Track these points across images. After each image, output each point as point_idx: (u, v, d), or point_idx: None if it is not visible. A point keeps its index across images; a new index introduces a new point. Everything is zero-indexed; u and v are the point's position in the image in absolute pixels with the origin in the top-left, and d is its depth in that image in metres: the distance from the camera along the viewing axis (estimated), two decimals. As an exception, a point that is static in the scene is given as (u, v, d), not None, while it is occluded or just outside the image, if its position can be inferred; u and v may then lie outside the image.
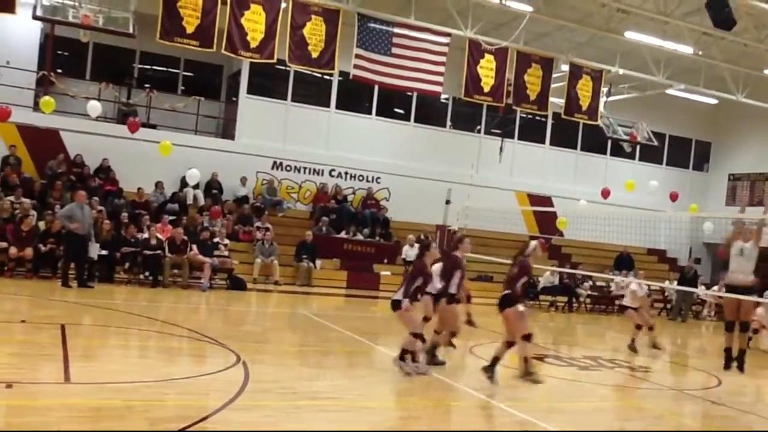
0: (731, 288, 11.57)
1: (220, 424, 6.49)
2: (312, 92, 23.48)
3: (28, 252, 15.53)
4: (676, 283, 21.11)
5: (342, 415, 7.29)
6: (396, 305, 9.17)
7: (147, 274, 16.79)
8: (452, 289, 9.78)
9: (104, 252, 15.90)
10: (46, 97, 17.66)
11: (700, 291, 20.89)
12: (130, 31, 16.88)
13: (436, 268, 10.03)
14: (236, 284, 17.58)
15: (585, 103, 20.72)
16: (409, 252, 19.42)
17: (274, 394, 7.87)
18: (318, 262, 20.05)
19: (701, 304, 22.24)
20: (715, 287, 22.76)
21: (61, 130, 19.90)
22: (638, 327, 13.33)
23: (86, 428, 5.98)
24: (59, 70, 20.96)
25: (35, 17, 16.90)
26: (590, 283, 21.97)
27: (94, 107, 18.05)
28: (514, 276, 9.16)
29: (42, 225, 16.34)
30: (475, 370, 10.47)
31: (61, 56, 21.81)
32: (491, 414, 8.08)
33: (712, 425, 8.59)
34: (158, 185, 20.30)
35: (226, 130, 23.17)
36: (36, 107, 19.19)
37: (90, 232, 15.27)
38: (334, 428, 6.75)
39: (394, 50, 18.27)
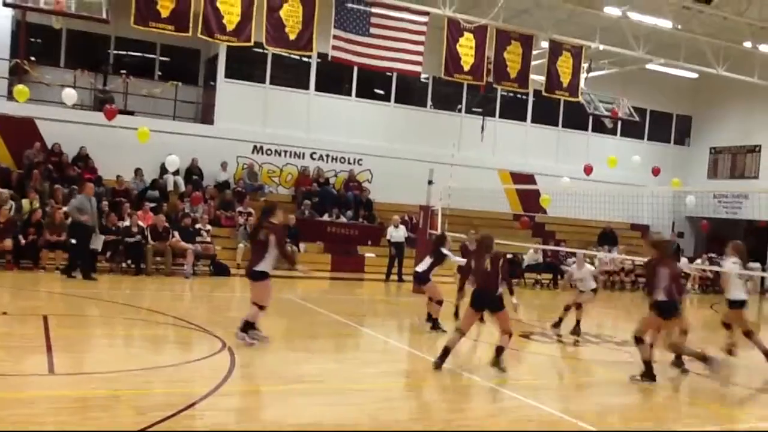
0: None
1: (208, 411, 6.45)
2: (291, 75, 23.26)
3: (8, 243, 15.33)
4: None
5: (329, 398, 7.27)
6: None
7: (129, 262, 16.65)
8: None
9: (73, 241, 15.65)
10: (20, 86, 17.33)
11: (684, 265, 21.03)
12: (104, 16, 16.56)
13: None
14: (219, 270, 17.48)
15: (565, 79, 20.67)
16: (394, 233, 19.38)
17: (261, 379, 7.84)
18: (302, 246, 19.96)
19: (685, 278, 22.41)
20: (698, 260, 23.00)
21: (36, 119, 19.59)
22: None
23: (73, 419, 5.92)
24: (33, 58, 20.58)
25: (6, 4, 16.53)
26: (574, 259, 22.04)
27: (70, 95, 17.76)
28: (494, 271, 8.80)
29: (26, 205, 16.15)
30: (461, 350, 10.50)
31: (34, 43, 21.43)
32: (478, 393, 8.09)
33: (697, 397, 8.66)
34: (138, 172, 20.08)
35: (205, 115, 22.94)
36: (10, 96, 18.86)
37: (95, 224, 15.37)
38: (323, 412, 6.72)
39: (373, 30, 18.10)
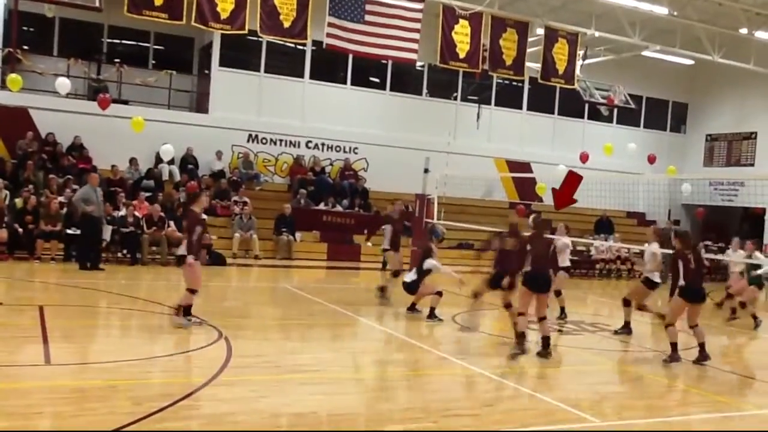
0: None
1: (205, 401, 6.45)
2: (285, 63, 23.15)
3: (3, 234, 15.28)
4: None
5: (326, 388, 7.27)
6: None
7: (125, 252, 16.61)
8: None
9: (78, 232, 15.67)
10: (13, 75, 17.22)
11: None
12: (97, 4, 16.46)
13: None
14: (215, 260, 17.45)
15: (561, 67, 20.62)
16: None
17: (258, 368, 7.83)
18: (298, 235, 19.95)
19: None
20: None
21: (30, 108, 19.48)
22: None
23: (69, 409, 5.91)
24: (25, 47, 20.46)
25: (-2, -8, 16.44)
26: (570, 247, 22.07)
27: (63, 84, 17.65)
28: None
29: (19, 202, 16.13)
30: (458, 338, 10.52)
31: (27, 32, 21.28)
32: (475, 381, 8.09)
33: (692, 386, 8.68)
34: (132, 162, 20.00)
35: (200, 104, 22.83)
36: (3, 85, 18.75)
37: (102, 214, 15.42)
38: (319, 401, 6.72)
39: (368, 18, 18.01)
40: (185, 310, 9.54)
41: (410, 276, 11.87)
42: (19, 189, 16.83)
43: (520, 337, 9.17)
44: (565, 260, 12.74)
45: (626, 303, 11.54)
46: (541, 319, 9.19)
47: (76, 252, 15.54)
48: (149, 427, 5.62)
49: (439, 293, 11.54)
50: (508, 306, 10.27)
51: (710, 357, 9.23)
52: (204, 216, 10.01)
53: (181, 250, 9.66)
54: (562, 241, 12.63)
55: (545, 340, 9.17)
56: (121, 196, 17.57)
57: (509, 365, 8.76)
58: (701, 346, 9.26)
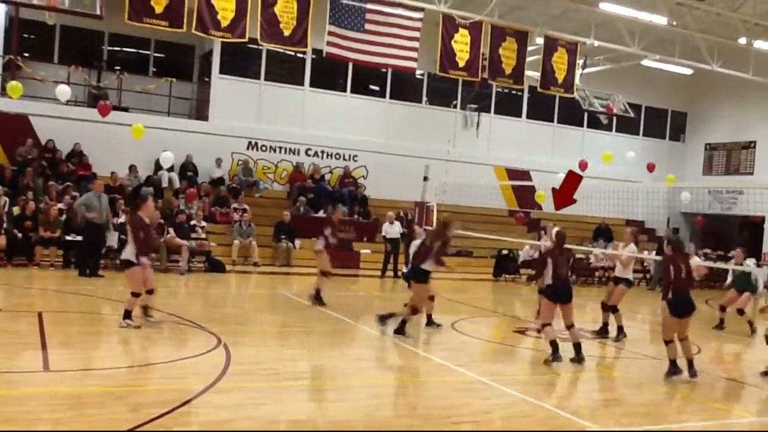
0: None
1: (203, 408, 6.44)
2: (285, 71, 23.21)
3: (1, 240, 15.27)
4: (654, 253, 21.27)
5: (325, 395, 7.26)
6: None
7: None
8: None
9: (79, 238, 15.68)
10: (14, 82, 17.28)
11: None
12: (98, 12, 16.47)
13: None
14: (215, 266, 17.46)
15: (560, 75, 20.68)
16: (389, 229, 19.36)
17: (257, 375, 7.82)
18: (297, 242, 19.95)
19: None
20: (696, 257, 22.97)
21: (30, 115, 19.51)
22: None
23: (68, 416, 5.90)
24: (26, 54, 20.52)
25: (-1, 0, 16.49)
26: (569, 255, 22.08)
27: (63, 91, 17.71)
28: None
29: (16, 210, 16.15)
30: (457, 345, 10.52)
31: (28, 39, 21.34)
32: (474, 388, 8.08)
33: (691, 393, 8.67)
34: (132, 169, 20.01)
35: (200, 111, 22.88)
36: (3, 92, 18.79)
37: (108, 221, 15.44)
38: (318, 408, 6.71)
39: (368, 26, 18.07)
40: (127, 314, 9.70)
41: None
42: (18, 196, 16.84)
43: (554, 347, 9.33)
44: None
45: (606, 308, 11.82)
46: (569, 327, 9.47)
47: (76, 258, 15.56)
48: (147, 434, 5.61)
49: (432, 298, 11.47)
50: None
51: (681, 371, 8.94)
52: (148, 221, 10.12)
53: (124, 255, 9.91)
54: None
55: (577, 347, 9.40)
56: (120, 203, 17.57)
57: (509, 372, 8.75)
58: (689, 362, 9.12)
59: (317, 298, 12.87)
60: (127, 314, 9.68)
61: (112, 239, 15.66)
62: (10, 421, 5.67)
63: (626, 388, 8.55)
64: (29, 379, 7.16)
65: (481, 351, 10.26)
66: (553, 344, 9.25)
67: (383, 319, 10.56)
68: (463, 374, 8.56)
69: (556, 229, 10.24)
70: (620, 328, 11.61)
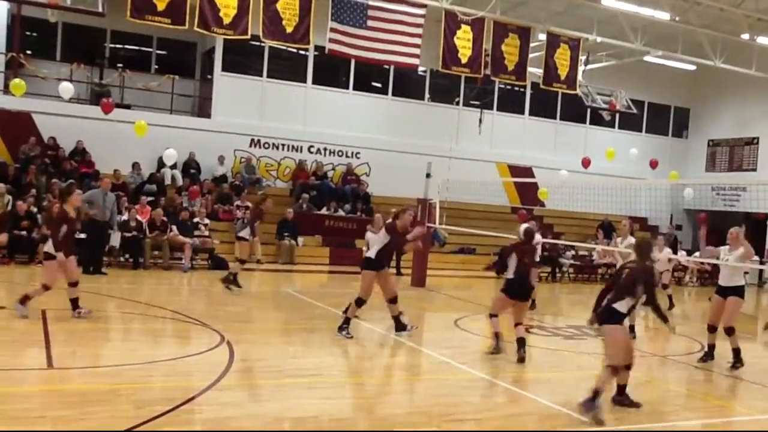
0: None
1: (207, 405, 6.45)
2: (288, 68, 23.20)
3: (3, 238, 15.30)
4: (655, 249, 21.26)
5: (328, 392, 7.27)
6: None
7: (127, 256, 16.63)
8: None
9: (83, 236, 15.69)
10: (17, 80, 17.27)
11: (682, 257, 21.05)
12: (100, 9, 16.48)
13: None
14: (218, 264, 17.46)
15: (563, 72, 20.63)
16: (390, 227, 19.33)
17: (260, 372, 7.83)
18: (300, 240, 19.96)
19: (683, 270, 22.44)
20: (697, 253, 22.98)
21: (33, 113, 19.54)
22: None
23: (71, 413, 5.92)
24: (28, 52, 20.53)
25: (0, -2, 16.50)
26: (573, 252, 22.10)
27: (66, 89, 17.71)
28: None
29: (24, 206, 16.17)
30: (459, 343, 10.52)
31: (30, 37, 21.36)
32: (477, 386, 8.09)
33: (696, 390, 8.68)
34: (135, 166, 20.04)
35: (202, 109, 22.88)
36: (6, 90, 18.81)
37: (112, 219, 15.50)
38: (321, 405, 6.71)
39: (370, 23, 18.04)
40: (24, 298, 9.73)
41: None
42: (21, 193, 16.86)
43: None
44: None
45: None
46: (517, 324, 9.31)
47: (79, 256, 15.49)
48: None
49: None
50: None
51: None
52: (73, 214, 10.20)
53: (46, 248, 9.98)
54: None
55: (520, 341, 9.19)
56: (123, 201, 17.59)
57: (512, 370, 8.75)
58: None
59: (232, 281, 13.48)
60: (25, 299, 9.72)
61: (115, 239, 15.68)
62: (14, 419, 5.69)
63: (629, 386, 8.52)
64: (33, 377, 7.18)
65: (483, 348, 10.24)
66: (497, 336, 9.27)
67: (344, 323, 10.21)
68: (465, 372, 8.57)
69: (525, 226, 10.10)
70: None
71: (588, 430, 6.55)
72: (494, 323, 9.38)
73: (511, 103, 26.06)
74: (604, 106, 23.76)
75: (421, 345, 10.11)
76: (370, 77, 24.06)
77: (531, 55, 20.22)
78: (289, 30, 17.25)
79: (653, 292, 7.18)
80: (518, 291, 9.28)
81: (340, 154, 23.39)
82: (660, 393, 8.40)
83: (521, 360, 9.00)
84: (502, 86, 24.97)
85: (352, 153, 23.49)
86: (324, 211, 21.38)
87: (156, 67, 22.84)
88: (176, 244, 17.00)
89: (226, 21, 16.59)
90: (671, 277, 18.03)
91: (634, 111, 24.98)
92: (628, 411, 7.24)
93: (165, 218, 17.25)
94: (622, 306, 7.09)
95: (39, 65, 20.12)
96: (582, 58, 21.11)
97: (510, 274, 9.28)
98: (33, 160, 18.32)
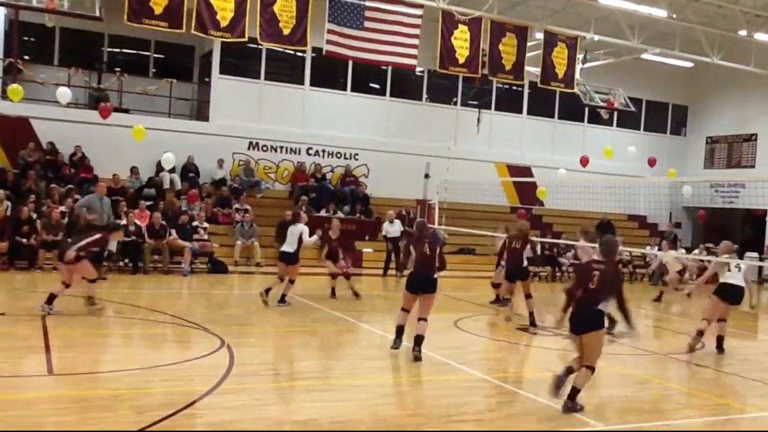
0: None
1: (207, 409, 6.45)
2: (285, 70, 23.20)
3: (3, 245, 15.29)
4: (656, 248, 21.27)
5: (329, 395, 7.26)
6: None
7: (127, 261, 16.62)
8: None
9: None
10: (14, 85, 17.26)
11: (681, 255, 21.04)
12: (97, 14, 16.50)
13: None
14: (217, 267, 17.47)
15: (561, 71, 20.64)
16: (390, 228, 19.35)
17: (261, 376, 7.83)
18: (299, 241, 19.91)
19: (683, 269, 22.39)
20: (696, 251, 23.01)
21: (31, 118, 19.53)
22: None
23: (72, 419, 5.92)
24: (26, 57, 20.53)
25: (-2, 3, 16.49)
26: (572, 252, 22.04)
27: (64, 93, 17.69)
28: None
29: (26, 211, 16.18)
30: (459, 344, 10.52)
31: (28, 42, 21.35)
32: (478, 387, 8.08)
33: (695, 389, 8.68)
34: (134, 171, 20.03)
35: (200, 112, 22.87)
36: (4, 95, 18.81)
37: (111, 224, 15.35)
38: (322, 408, 6.71)
39: (367, 24, 18.06)
40: (51, 297, 10.55)
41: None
42: (21, 199, 16.86)
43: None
44: None
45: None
46: (420, 319, 9.10)
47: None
48: (152, 436, 5.63)
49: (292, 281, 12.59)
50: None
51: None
52: None
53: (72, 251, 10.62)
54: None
55: (417, 339, 9.02)
56: (122, 205, 17.58)
57: (513, 370, 8.75)
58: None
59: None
60: (52, 298, 10.50)
61: (112, 243, 15.60)
62: (15, 426, 5.69)
63: (631, 385, 8.54)
64: (34, 383, 7.18)
65: (483, 349, 10.26)
66: (399, 330, 9.11)
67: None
68: (465, 372, 8.57)
69: (419, 219, 10.31)
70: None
71: (588, 431, 6.55)
72: (400, 317, 9.23)
73: (509, 102, 26.07)
74: (602, 104, 23.73)
75: (422, 346, 10.09)
76: (367, 78, 24.06)
77: (528, 54, 20.23)
78: (286, 32, 17.27)
79: (623, 294, 7.23)
80: (418, 284, 9.23)
81: (338, 155, 23.38)
82: (660, 391, 8.40)
83: (417, 358, 8.83)
84: (500, 86, 24.97)
85: (351, 154, 23.48)
86: (323, 213, 21.35)
87: (154, 70, 22.84)
88: (176, 248, 16.99)
89: (224, 24, 16.61)
90: (680, 276, 18.02)
91: (632, 109, 24.96)
92: (617, 410, 7.23)
93: (164, 222, 17.24)
94: (605, 306, 7.11)
95: (37, 70, 20.10)
96: (579, 56, 21.11)
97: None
98: (32, 166, 18.32)
